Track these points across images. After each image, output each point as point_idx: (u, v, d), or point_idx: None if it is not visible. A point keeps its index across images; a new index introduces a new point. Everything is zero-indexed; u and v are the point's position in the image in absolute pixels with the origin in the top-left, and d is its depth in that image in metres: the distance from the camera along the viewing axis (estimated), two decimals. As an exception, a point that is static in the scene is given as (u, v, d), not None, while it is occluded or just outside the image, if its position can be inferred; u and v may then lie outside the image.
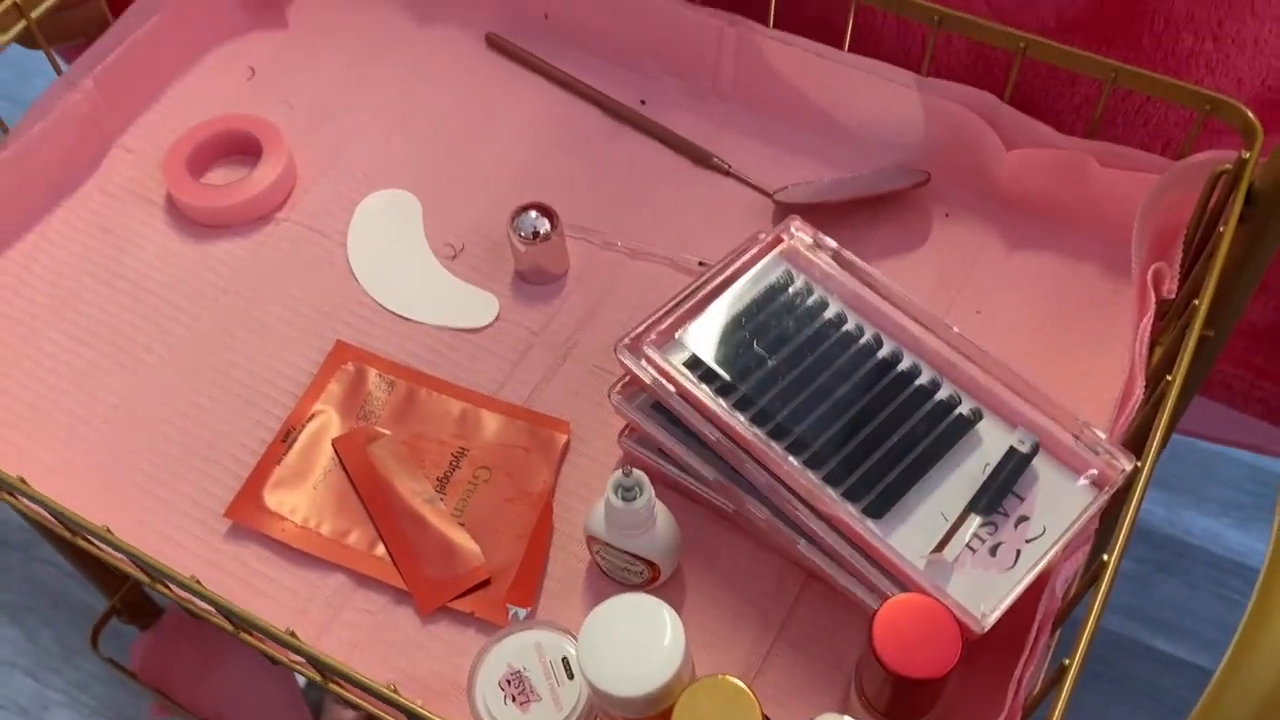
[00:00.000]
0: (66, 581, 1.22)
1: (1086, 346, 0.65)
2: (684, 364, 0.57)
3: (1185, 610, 1.17)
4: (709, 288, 0.59)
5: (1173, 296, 0.60)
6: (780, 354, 0.57)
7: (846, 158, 0.73)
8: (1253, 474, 1.26)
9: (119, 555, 0.52)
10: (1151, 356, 0.60)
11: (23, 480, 0.52)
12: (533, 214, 0.67)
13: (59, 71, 0.72)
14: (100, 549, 0.52)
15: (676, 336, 0.58)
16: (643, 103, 0.77)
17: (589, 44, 0.78)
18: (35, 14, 0.69)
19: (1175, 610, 1.18)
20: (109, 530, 0.51)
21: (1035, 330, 0.66)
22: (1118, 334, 0.64)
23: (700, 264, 0.69)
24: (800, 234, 0.60)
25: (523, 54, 0.79)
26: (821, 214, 0.69)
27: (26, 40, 0.71)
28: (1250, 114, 0.59)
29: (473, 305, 0.69)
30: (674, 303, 0.59)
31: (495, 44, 0.79)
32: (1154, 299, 0.59)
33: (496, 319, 0.68)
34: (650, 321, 0.58)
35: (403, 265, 0.70)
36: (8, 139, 0.69)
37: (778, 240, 0.60)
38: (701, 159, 0.74)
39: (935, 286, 0.68)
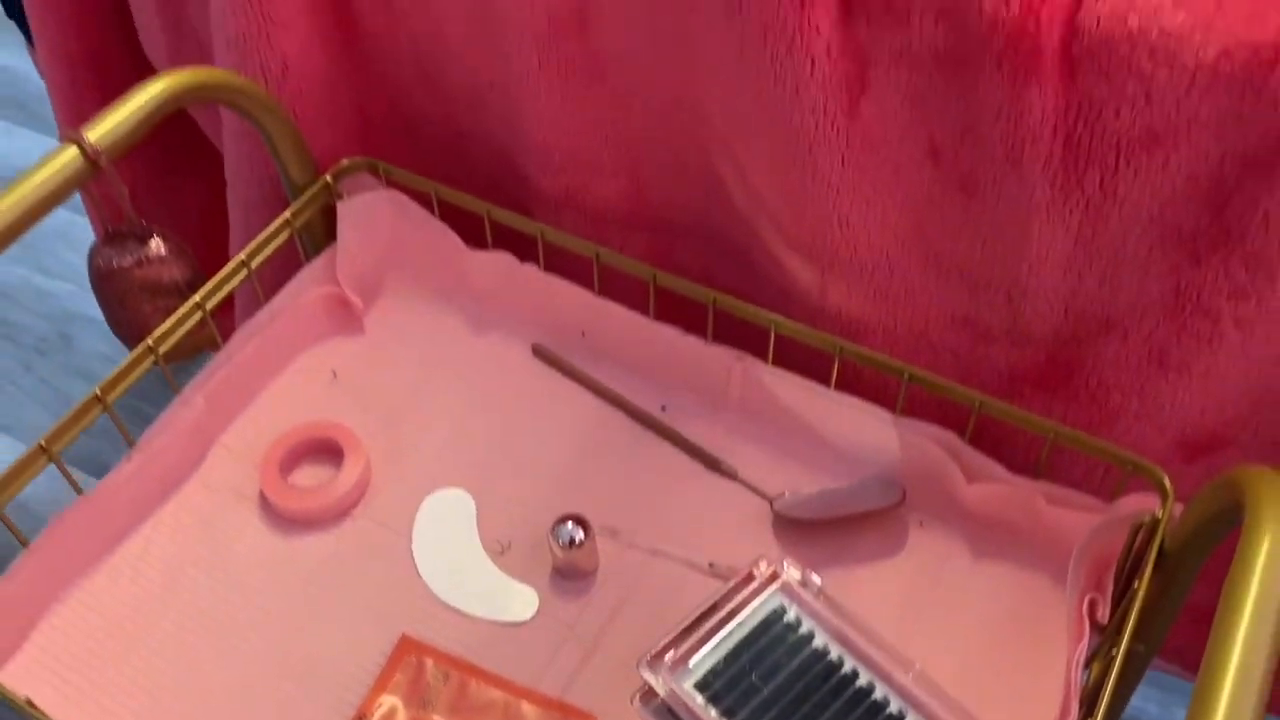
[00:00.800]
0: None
1: (1040, 648, 0.76)
2: (694, 685, 0.69)
3: (1180, 807, 1.25)
4: (716, 617, 0.71)
5: (1106, 622, 0.72)
6: (774, 681, 0.69)
7: (835, 467, 0.86)
8: (1239, 673, 1.34)
9: None
10: (1090, 672, 0.72)
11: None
12: (569, 524, 0.80)
13: (175, 389, 0.87)
14: None
15: (689, 662, 0.70)
16: (663, 408, 0.90)
17: (618, 357, 0.92)
18: (162, 350, 0.83)
19: (1171, 807, 1.25)
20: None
21: (997, 630, 0.77)
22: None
23: (710, 566, 0.81)
24: (791, 570, 0.72)
25: (563, 363, 0.93)
26: (814, 525, 0.81)
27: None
28: (1166, 480, 0.72)
29: (517, 600, 0.81)
30: (689, 623, 0.71)
31: (540, 354, 0.94)
32: (1088, 627, 0.71)
33: (537, 613, 0.80)
34: (667, 642, 0.70)
35: (459, 561, 0.83)
36: (132, 453, 0.83)
37: (774, 576, 0.72)
38: (712, 464, 0.87)
39: (911, 588, 0.80)
